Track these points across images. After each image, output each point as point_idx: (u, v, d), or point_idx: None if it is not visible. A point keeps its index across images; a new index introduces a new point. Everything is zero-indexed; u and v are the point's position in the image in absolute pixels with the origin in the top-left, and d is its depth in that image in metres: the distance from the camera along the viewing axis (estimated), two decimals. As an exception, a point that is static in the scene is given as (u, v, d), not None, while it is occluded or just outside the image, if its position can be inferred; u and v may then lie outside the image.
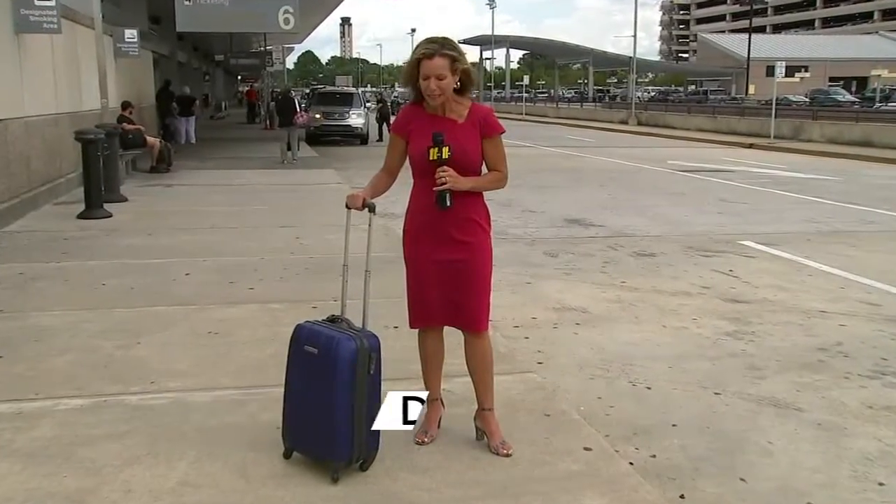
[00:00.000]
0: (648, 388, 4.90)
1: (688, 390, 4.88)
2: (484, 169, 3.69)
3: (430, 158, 3.49)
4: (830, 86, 72.06)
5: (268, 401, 4.29)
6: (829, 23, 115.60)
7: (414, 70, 3.52)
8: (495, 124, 3.65)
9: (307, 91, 64.28)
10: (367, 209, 3.60)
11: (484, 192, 3.70)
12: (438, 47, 3.49)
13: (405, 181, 3.75)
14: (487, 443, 3.81)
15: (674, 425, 4.34)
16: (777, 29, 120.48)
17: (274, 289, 6.88)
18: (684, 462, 3.94)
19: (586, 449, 3.82)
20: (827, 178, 17.54)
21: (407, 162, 3.70)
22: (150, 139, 16.32)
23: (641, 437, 4.20)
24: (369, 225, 3.60)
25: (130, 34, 17.37)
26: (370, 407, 3.45)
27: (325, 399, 3.37)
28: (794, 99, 52.98)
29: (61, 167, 12.76)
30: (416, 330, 3.85)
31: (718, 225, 11.08)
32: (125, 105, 16.51)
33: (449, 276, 3.62)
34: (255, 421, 4.09)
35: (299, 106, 20.53)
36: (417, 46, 3.55)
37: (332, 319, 3.54)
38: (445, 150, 3.47)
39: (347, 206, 3.61)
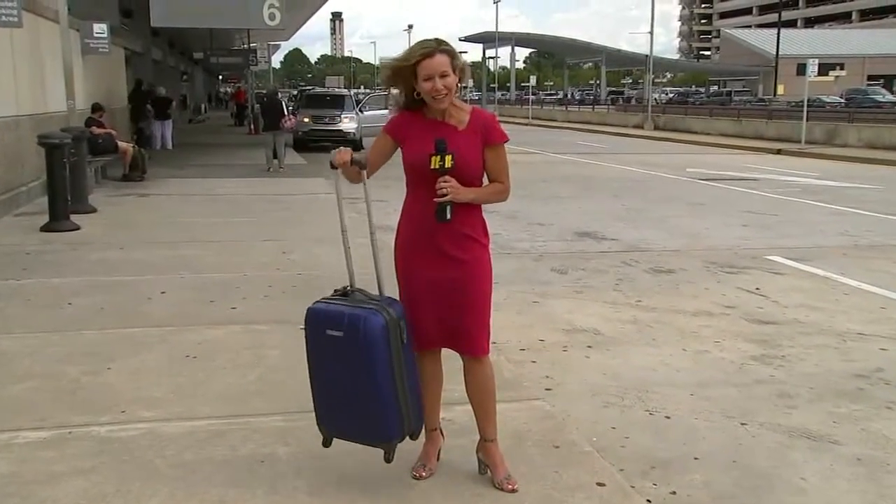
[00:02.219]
0: (667, 418, 4.89)
1: (711, 420, 4.86)
2: (485, 180, 3.70)
3: (432, 167, 3.50)
4: (869, 84, 72.25)
5: (250, 432, 4.29)
6: (867, 15, 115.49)
7: (409, 75, 3.52)
8: (499, 132, 3.66)
9: (295, 93, 64.57)
10: (356, 165, 3.58)
11: (483, 205, 3.71)
12: (436, 45, 3.52)
13: (404, 189, 3.74)
14: (491, 477, 3.80)
15: (696, 459, 4.33)
16: (809, 23, 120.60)
17: (258, 308, 6.88)
18: (707, 500, 3.92)
19: (599, 484, 3.80)
20: (865, 187, 17.56)
21: (401, 172, 3.70)
22: (122, 144, 16.35)
23: (660, 471, 4.18)
24: (364, 184, 3.61)
25: (100, 29, 17.41)
26: (410, 377, 3.51)
27: (366, 384, 3.41)
28: (828, 100, 53.05)
29: (22, 175, 12.78)
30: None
31: (743, 238, 11.09)
32: (95, 107, 16.55)
33: (444, 296, 3.62)
34: (236, 454, 4.08)
35: (286, 109, 20.56)
36: (410, 50, 3.55)
37: (344, 293, 3.54)
38: (448, 158, 3.48)
39: (332, 165, 3.62)
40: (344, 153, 3.58)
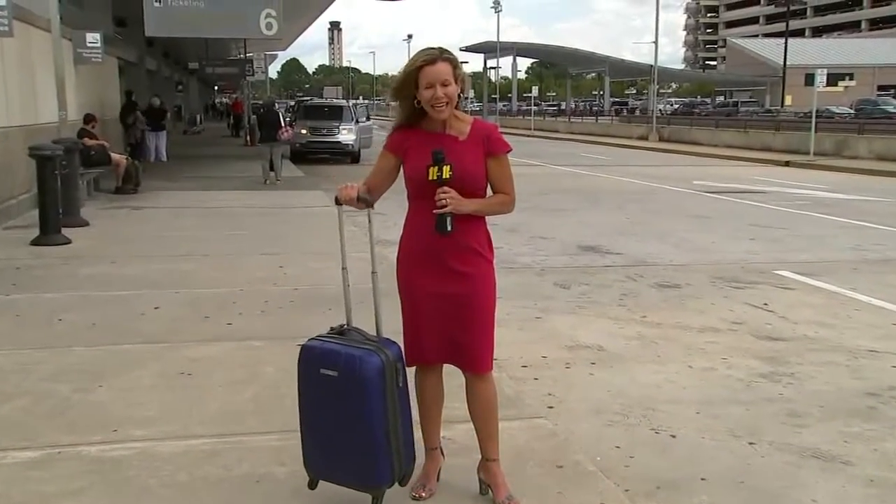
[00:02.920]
0: (673, 437, 4.88)
1: (718, 439, 4.85)
2: (488, 191, 3.70)
3: (430, 178, 3.50)
4: (879, 95, 72.42)
5: (246, 451, 4.28)
6: (877, 24, 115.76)
7: (411, 81, 3.54)
8: (501, 142, 3.67)
9: (292, 103, 64.69)
10: (363, 204, 3.58)
11: (487, 217, 3.71)
12: (438, 53, 3.54)
13: (405, 202, 3.75)
14: (492, 498, 3.79)
15: (703, 479, 4.31)
16: (817, 32, 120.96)
17: (254, 324, 6.88)
18: (715, 521, 3.91)
19: (604, 506, 3.79)
20: (875, 200, 17.59)
21: (401, 186, 3.71)
22: (114, 156, 16.38)
23: (666, 492, 4.17)
24: (369, 221, 3.61)
25: (93, 38, 17.44)
26: (404, 420, 3.49)
27: (358, 426, 3.39)
28: (837, 110, 53.23)
29: (13, 187, 12.80)
30: (413, 370, 3.84)
31: (751, 252, 11.09)
32: (87, 118, 16.58)
33: (447, 312, 3.62)
34: (231, 474, 4.07)
35: (283, 120, 20.60)
36: (413, 58, 3.58)
37: (340, 331, 3.53)
38: (446, 168, 3.48)
39: (338, 201, 3.62)
40: (350, 189, 3.59)
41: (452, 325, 3.63)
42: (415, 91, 3.54)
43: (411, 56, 3.61)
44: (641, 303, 8.21)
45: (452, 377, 3.86)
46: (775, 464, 4.54)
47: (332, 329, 3.56)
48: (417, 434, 3.71)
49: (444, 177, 3.48)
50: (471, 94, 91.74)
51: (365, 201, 3.58)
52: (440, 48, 3.57)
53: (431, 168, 3.49)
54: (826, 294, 8.70)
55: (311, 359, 3.47)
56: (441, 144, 3.54)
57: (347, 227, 3.70)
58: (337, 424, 3.43)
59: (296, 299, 7.72)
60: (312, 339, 3.54)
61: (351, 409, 3.37)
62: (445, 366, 3.81)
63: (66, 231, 10.88)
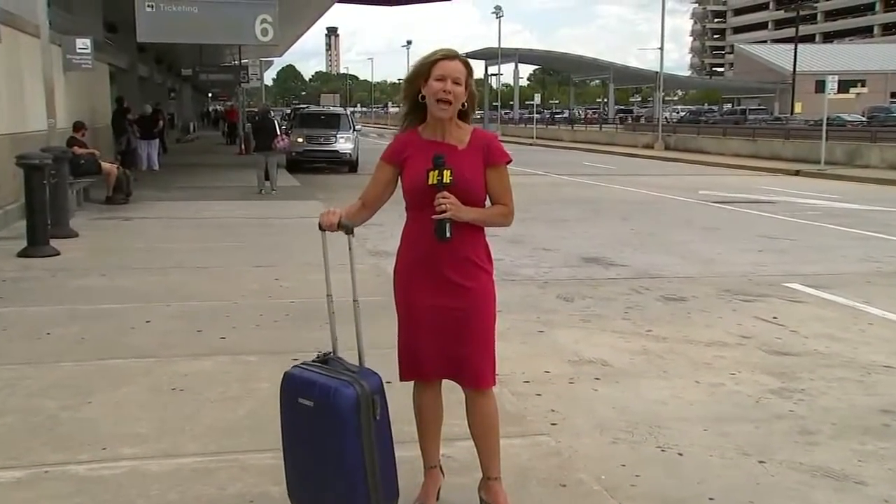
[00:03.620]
0: (680, 455, 4.86)
1: (727, 457, 4.84)
2: (487, 202, 3.70)
3: (430, 182, 3.50)
4: (892, 102, 72.55)
5: (239, 470, 4.26)
6: (890, 29, 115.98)
7: (425, 72, 3.54)
8: (501, 152, 3.67)
9: (288, 111, 64.80)
10: (343, 230, 3.59)
11: (485, 228, 3.71)
12: (457, 53, 3.58)
13: (403, 213, 3.74)
14: (494, 519, 3.77)
15: (711, 499, 4.30)
16: (828, 37, 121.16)
17: (249, 338, 6.87)
18: (723, 542, 3.90)
19: (609, 526, 3.78)
20: (889, 210, 17.59)
21: (399, 196, 3.71)
22: (105, 165, 16.40)
23: (673, 512, 4.16)
24: (349, 248, 3.60)
25: (83, 44, 17.50)
26: (382, 455, 3.45)
27: (333, 457, 3.37)
28: (849, 118, 53.29)
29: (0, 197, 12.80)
30: (411, 385, 3.83)
31: (759, 264, 11.09)
32: (77, 126, 16.60)
33: (446, 326, 3.61)
34: (224, 494, 4.05)
35: (279, 128, 20.64)
36: (430, 52, 3.60)
37: (325, 359, 3.53)
38: (447, 173, 3.48)
39: (321, 227, 3.62)
40: (332, 215, 3.59)
41: (451, 340, 3.62)
42: (423, 84, 3.55)
43: (428, 53, 3.62)
44: (647, 316, 8.20)
45: (452, 392, 3.85)
46: (786, 483, 4.52)
47: (317, 356, 3.55)
48: (404, 464, 3.69)
49: (444, 181, 3.48)
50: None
51: (346, 228, 3.58)
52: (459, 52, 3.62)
53: (432, 172, 3.49)
54: (838, 307, 8.69)
55: (291, 387, 3.48)
56: (440, 151, 3.54)
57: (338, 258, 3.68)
58: (313, 456, 3.42)
59: (292, 312, 7.72)
60: (296, 366, 3.54)
61: (325, 440, 3.36)
62: (445, 380, 3.80)
63: (54, 242, 10.88)
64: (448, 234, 3.49)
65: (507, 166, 3.69)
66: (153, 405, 5.27)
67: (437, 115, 3.55)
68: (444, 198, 3.48)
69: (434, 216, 3.48)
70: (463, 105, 3.58)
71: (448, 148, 3.58)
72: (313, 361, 3.54)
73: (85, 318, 7.43)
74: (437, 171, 3.48)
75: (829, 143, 29.19)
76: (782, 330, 7.73)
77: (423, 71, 3.54)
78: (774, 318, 8.17)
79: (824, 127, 29.30)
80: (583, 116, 78.72)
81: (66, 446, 4.61)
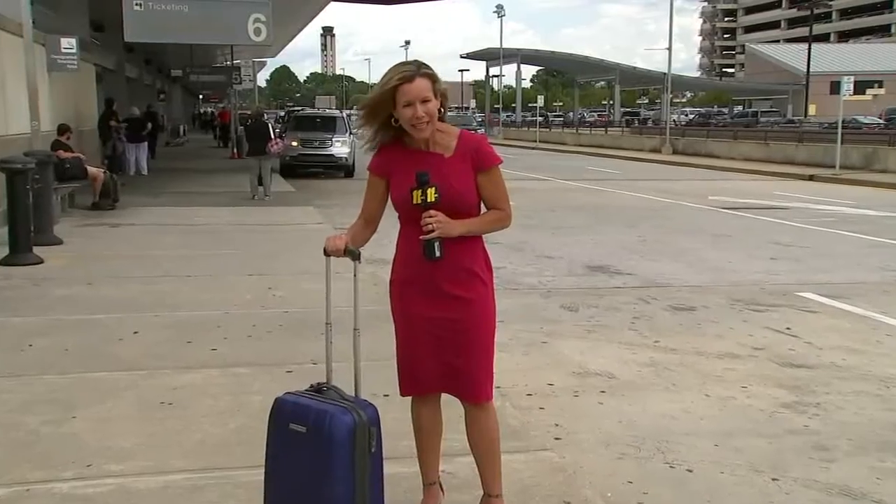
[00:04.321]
0: (689, 471, 4.86)
1: (738, 474, 4.83)
2: (482, 208, 3.69)
3: (414, 202, 3.49)
4: (911, 103, 72.53)
5: (231, 487, 4.25)
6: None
7: (388, 100, 3.51)
8: (490, 154, 3.65)
9: (282, 113, 64.91)
10: (349, 256, 3.58)
11: (484, 236, 3.70)
12: (415, 68, 3.51)
13: (397, 221, 3.74)
14: (495, 538, 3.77)
15: (722, 517, 4.29)
16: (843, 37, 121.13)
17: (241, 350, 6.86)
18: (735, 562, 3.89)
19: (615, 546, 3.77)
20: (904, 217, 17.58)
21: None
22: (91, 170, 16.39)
23: (682, 531, 4.15)
24: (354, 275, 3.59)
25: (68, 43, 17.48)
26: (373, 491, 3.43)
27: (321, 488, 3.33)
28: (866, 120, 53.30)
29: (-18, 203, 12.79)
30: (409, 399, 3.83)
31: (772, 273, 11.09)
32: (62, 129, 16.61)
33: (444, 338, 3.61)
34: (214, 511, 4.04)
35: (273, 131, 20.65)
36: (385, 76, 3.54)
37: (319, 389, 3.52)
38: (431, 191, 3.46)
39: (326, 252, 3.60)
40: (338, 240, 3.58)
41: (449, 353, 3.62)
42: (392, 109, 3.52)
43: (386, 72, 3.57)
44: (654, 326, 8.20)
45: (452, 406, 3.84)
46: (801, 502, 4.52)
47: (311, 386, 3.54)
48: (403, 482, 3.69)
49: (428, 200, 3.46)
50: (472, 103, 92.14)
51: (352, 254, 3.58)
52: (417, 62, 3.55)
53: (415, 191, 3.48)
54: (854, 318, 8.69)
55: (282, 413, 3.45)
56: (425, 164, 3.52)
57: (340, 282, 3.67)
58: (301, 485, 3.38)
59: (285, 323, 7.72)
60: (288, 393, 3.53)
61: (316, 468, 3.33)
62: (445, 394, 3.79)
63: (38, 250, 10.86)
64: (438, 254, 3.47)
65: (499, 168, 3.68)
66: (140, 420, 5.26)
67: (418, 135, 3.53)
68: (430, 217, 3.46)
69: (421, 237, 3.48)
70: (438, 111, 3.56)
71: (434, 158, 3.57)
72: (306, 391, 3.52)
73: (69, 329, 7.43)
74: (420, 191, 3.47)
75: (844, 146, 29.18)
76: (796, 341, 7.72)
77: (386, 100, 3.50)
78: (787, 328, 8.16)
79: (839, 130, 29.29)
80: (589, 121, 78.66)
81: (48, 463, 4.59)
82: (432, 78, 3.51)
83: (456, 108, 73.78)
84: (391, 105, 3.50)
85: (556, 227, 15.49)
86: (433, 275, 3.57)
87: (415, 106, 3.45)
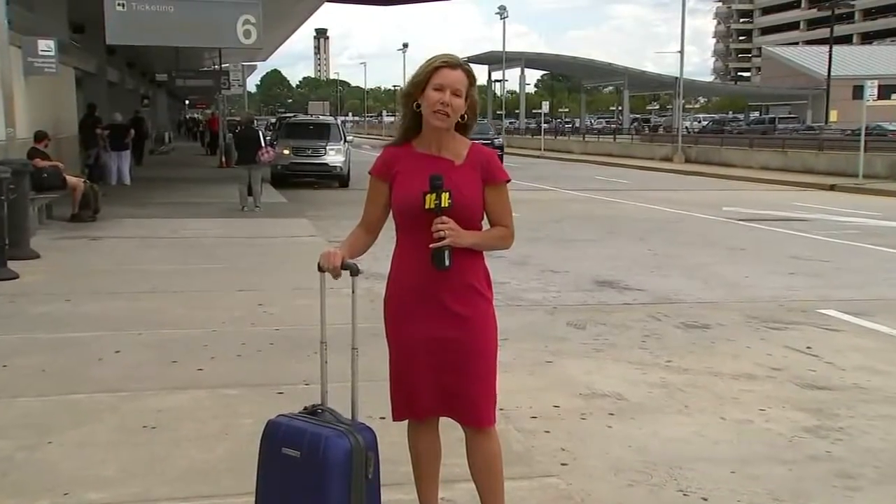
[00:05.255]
0: (705, 500, 4.85)
1: (756, 503, 4.81)
2: (485, 223, 3.69)
3: (427, 206, 3.49)
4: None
5: (215, 516, 4.24)
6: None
7: (423, 83, 3.54)
8: (501, 170, 3.68)
9: (273, 120, 65.04)
10: (347, 271, 3.57)
11: (485, 251, 3.70)
12: (461, 62, 3.58)
13: (394, 233, 3.74)
14: (498, 570, 3.75)
15: (739, 548, 4.28)
16: (867, 38, 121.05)
17: (229, 370, 6.86)
18: None
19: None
20: (930, 229, 17.59)
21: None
22: (70, 179, 16.40)
23: (697, 563, 4.13)
24: (352, 291, 3.59)
25: (46, 46, 17.52)
26: None
27: None
28: (891, 127, 53.24)
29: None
30: (406, 423, 3.82)
31: (791, 288, 11.09)
32: (38, 136, 16.61)
33: (443, 359, 3.60)
34: (199, 542, 4.03)
35: (263, 139, 20.68)
36: (431, 58, 3.59)
37: (313, 411, 3.51)
38: (445, 196, 3.47)
39: (321, 268, 3.60)
40: (334, 257, 3.58)
41: (448, 374, 3.61)
42: (419, 96, 3.55)
43: (428, 59, 3.62)
44: (666, 345, 8.19)
45: (452, 429, 3.83)
46: (822, 531, 4.50)
47: (304, 409, 3.53)
48: None
49: (442, 205, 3.46)
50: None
51: (351, 268, 3.57)
52: (463, 60, 3.62)
53: (429, 196, 3.48)
54: (879, 337, 8.68)
55: (274, 437, 3.45)
56: (435, 168, 3.53)
57: (335, 298, 3.67)
58: None
59: (277, 341, 7.71)
60: (280, 415, 3.52)
61: (311, 496, 3.32)
62: (443, 417, 3.78)
63: (13, 264, 10.86)
64: (447, 263, 3.48)
65: (507, 186, 3.69)
66: (121, 445, 5.25)
67: (434, 123, 3.53)
68: (442, 223, 3.47)
69: (432, 245, 3.48)
70: (462, 117, 3.58)
71: (445, 164, 3.58)
72: (300, 413, 3.51)
73: (46, 349, 7.42)
74: (434, 195, 3.47)
75: (867, 154, 29.19)
76: (817, 361, 7.71)
77: (422, 80, 3.54)
78: (808, 347, 8.16)
79: (863, 137, 29.31)
80: (596, 128, 78.78)
81: (22, 491, 4.58)
82: (471, 79, 3.58)
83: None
84: (422, 87, 3.53)
85: (563, 239, 15.49)
86: (435, 289, 3.56)
87: (445, 91, 3.48)
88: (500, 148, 36.13)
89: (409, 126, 3.65)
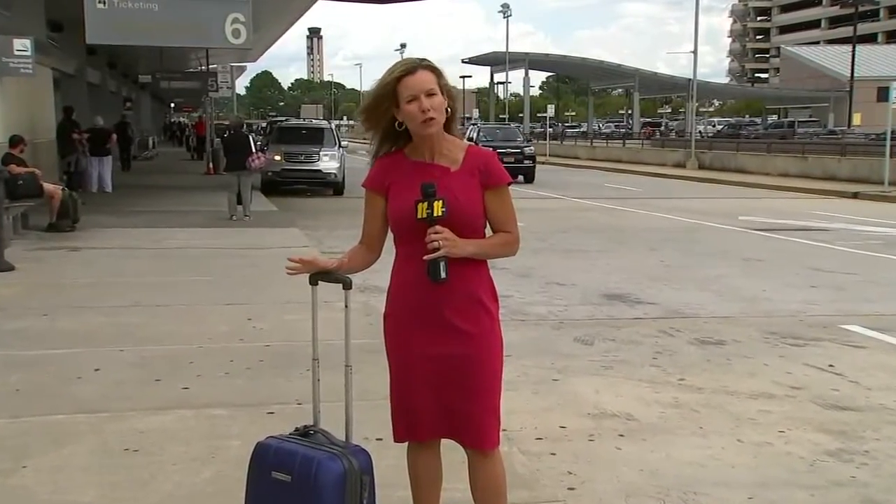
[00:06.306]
0: (721, 526, 4.84)
1: (775, 529, 4.81)
2: (488, 231, 3.69)
3: (419, 216, 3.49)
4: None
5: (201, 544, 4.23)
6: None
7: (388, 96, 3.54)
8: (501, 172, 3.68)
9: (264, 124, 65.09)
10: (341, 284, 3.58)
11: (489, 261, 3.70)
12: (417, 62, 3.57)
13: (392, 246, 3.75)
14: None
15: (757, 578, 4.27)
16: (892, 37, 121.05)
17: (216, 388, 6.86)
18: None
19: None
20: (959, 240, 17.59)
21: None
22: (48, 186, 16.39)
23: None
24: (346, 305, 3.59)
25: (22, 45, 17.53)
26: None
27: None
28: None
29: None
30: (405, 444, 3.82)
31: (811, 303, 11.09)
32: (14, 141, 16.62)
33: (445, 377, 3.61)
34: (184, 572, 4.02)
35: (254, 144, 20.70)
36: (387, 72, 3.58)
37: (305, 432, 3.51)
38: (438, 204, 3.47)
39: (312, 282, 3.62)
40: (326, 262, 3.60)
41: (451, 394, 3.61)
42: (394, 110, 3.55)
43: (382, 74, 3.61)
44: (679, 362, 8.19)
45: (453, 451, 3.83)
46: (845, 559, 4.49)
47: (295, 430, 3.53)
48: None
49: (435, 214, 3.47)
50: (475, 112, 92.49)
51: (343, 282, 3.58)
52: (419, 58, 3.61)
53: (420, 204, 3.48)
54: (903, 353, 8.68)
55: (264, 460, 3.45)
56: (429, 176, 3.54)
57: (327, 312, 3.67)
58: None
59: (267, 358, 7.71)
60: (270, 437, 3.52)
61: None
62: (444, 439, 3.78)
63: (-12, 277, 10.87)
64: (443, 275, 3.48)
65: (509, 188, 3.70)
66: (101, 469, 5.24)
67: (426, 132, 3.55)
68: (435, 233, 3.47)
69: (426, 256, 3.48)
70: (446, 110, 3.58)
71: (439, 171, 3.59)
72: (291, 434, 3.51)
73: (22, 366, 7.42)
74: (426, 203, 3.47)
75: (893, 160, 29.18)
76: (840, 380, 7.71)
77: (387, 96, 3.54)
78: (830, 365, 8.15)
79: (888, 141, 29.23)
80: (605, 132, 78.87)
81: (-2, 516, 4.58)
82: (436, 72, 3.56)
83: (467, 117, 73.67)
84: (393, 104, 3.54)
85: (570, 250, 15.50)
86: (435, 302, 3.57)
87: (420, 100, 3.48)
88: (532, 158, 33.91)
89: (384, 140, 3.67)
